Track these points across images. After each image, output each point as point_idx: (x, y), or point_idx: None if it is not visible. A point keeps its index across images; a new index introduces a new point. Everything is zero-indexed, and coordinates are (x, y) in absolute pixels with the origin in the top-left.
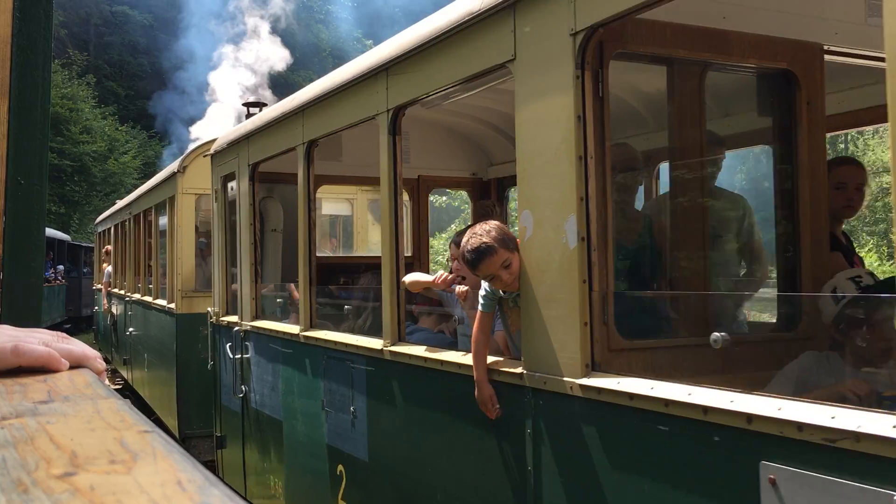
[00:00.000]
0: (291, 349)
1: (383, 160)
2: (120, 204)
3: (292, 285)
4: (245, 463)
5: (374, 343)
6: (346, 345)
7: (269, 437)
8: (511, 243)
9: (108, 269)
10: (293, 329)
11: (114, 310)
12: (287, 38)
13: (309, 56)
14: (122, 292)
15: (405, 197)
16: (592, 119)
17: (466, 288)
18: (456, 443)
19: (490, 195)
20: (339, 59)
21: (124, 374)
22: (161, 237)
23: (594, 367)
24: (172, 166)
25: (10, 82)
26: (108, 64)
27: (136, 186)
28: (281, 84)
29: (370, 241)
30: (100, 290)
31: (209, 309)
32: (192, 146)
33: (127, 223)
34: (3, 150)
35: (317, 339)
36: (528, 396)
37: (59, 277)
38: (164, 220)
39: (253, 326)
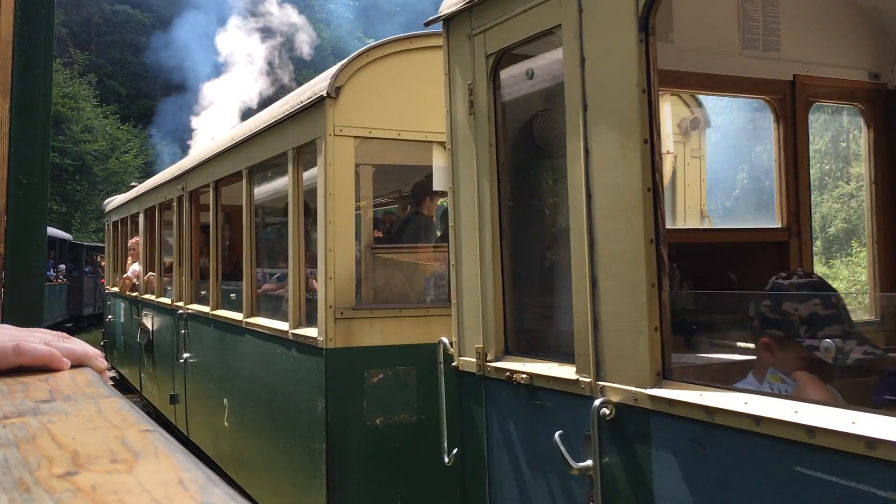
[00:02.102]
0: None
1: None
2: (155, 180)
3: None
4: None
5: None
6: None
7: None
8: None
9: (136, 266)
10: None
11: (146, 323)
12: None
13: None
14: (169, 302)
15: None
16: None
17: None
18: None
19: None
20: (339, 58)
21: (170, 415)
22: (259, 217)
23: None
24: (314, 87)
25: (11, 81)
26: (109, 63)
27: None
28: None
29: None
30: (118, 293)
31: (444, 340)
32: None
33: (176, 204)
34: (5, 149)
35: None
36: None
37: (61, 276)
38: (265, 187)
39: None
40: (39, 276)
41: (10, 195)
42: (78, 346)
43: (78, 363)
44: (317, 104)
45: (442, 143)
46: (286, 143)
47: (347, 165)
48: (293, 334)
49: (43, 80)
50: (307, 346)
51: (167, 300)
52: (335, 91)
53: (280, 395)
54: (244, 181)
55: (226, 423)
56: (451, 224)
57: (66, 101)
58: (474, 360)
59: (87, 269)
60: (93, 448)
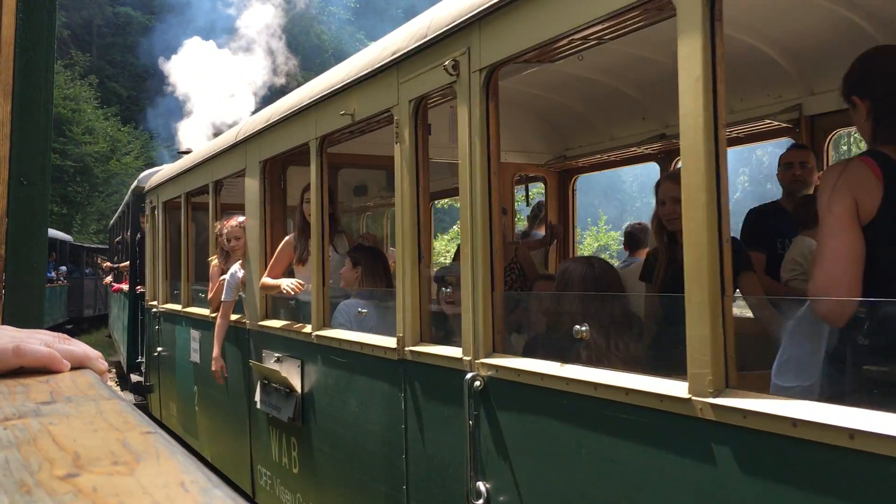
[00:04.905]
0: None
1: None
2: (299, 97)
3: None
4: None
5: None
6: None
7: None
8: None
9: (236, 270)
10: None
11: (290, 377)
12: (290, 40)
13: (311, 57)
14: (393, 344)
15: None
16: None
17: None
18: None
19: None
20: (340, 59)
21: None
22: None
23: None
24: None
25: (13, 83)
26: (110, 65)
27: None
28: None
29: None
30: (203, 319)
31: None
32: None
33: (409, 123)
34: (6, 150)
35: None
36: None
37: (61, 278)
38: None
39: None
40: (40, 277)
41: (12, 196)
42: (78, 347)
43: (78, 365)
44: None
45: None
46: None
47: None
48: None
49: (44, 81)
50: None
51: (381, 342)
52: None
53: None
54: None
55: None
56: None
57: (67, 103)
58: None
59: (87, 271)
60: (94, 450)
